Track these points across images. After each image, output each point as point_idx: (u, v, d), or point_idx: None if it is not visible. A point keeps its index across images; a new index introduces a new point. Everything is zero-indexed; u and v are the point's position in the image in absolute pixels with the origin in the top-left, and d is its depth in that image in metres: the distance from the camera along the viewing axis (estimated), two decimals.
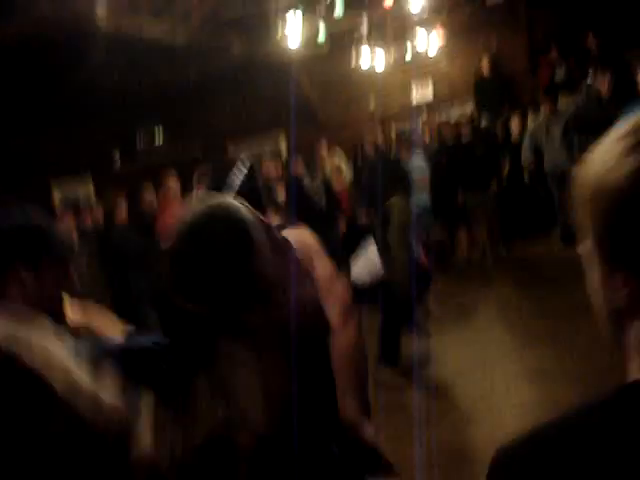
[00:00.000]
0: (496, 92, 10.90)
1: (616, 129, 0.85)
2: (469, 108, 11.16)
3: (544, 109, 9.41)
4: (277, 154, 11.25)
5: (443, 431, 4.40)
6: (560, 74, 10.49)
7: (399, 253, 5.70)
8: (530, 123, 9.86)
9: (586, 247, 0.85)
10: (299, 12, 8.86)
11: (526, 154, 9.30)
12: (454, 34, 11.38)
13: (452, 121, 10.19)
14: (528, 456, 0.78)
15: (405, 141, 9.80)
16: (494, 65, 11.18)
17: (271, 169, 9.29)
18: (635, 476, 0.72)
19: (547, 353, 5.50)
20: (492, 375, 5.29)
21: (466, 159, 8.99)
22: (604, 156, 0.83)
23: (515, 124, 9.92)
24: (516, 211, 9.10)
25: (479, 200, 8.93)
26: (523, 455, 0.79)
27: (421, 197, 8.14)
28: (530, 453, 0.78)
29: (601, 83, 8.62)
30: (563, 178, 8.27)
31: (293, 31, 8.90)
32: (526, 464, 0.78)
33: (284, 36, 8.97)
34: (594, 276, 0.84)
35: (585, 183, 0.84)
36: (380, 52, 10.41)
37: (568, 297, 6.01)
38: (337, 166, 9.84)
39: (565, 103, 9.85)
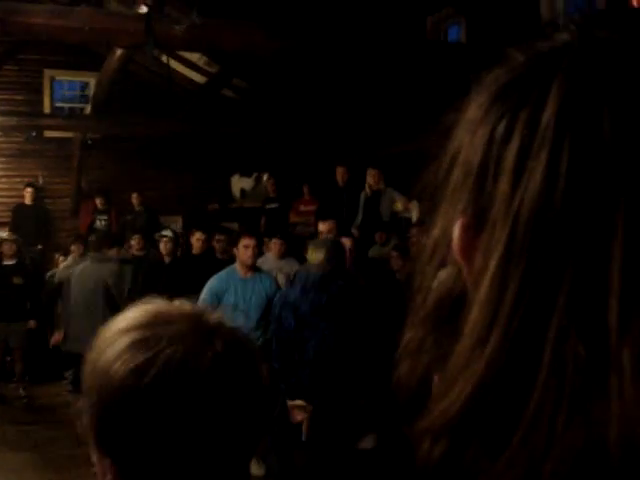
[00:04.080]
0: (33, 223, 10.85)
1: (126, 316, 0.88)
2: (4, 232, 10.83)
3: (75, 252, 9.26)
4: None
5: None
6: (100, 224, 10.98)
7: None
8: (61, 262, 9.92)
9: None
10: None
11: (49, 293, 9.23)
12: (4, 156, 11.20)
13: None
14: None
15: None
16: (37, 196, 11.19)
17: None
18: None
19: None
20: None
21: (4, 284, 8.49)
22: (109, 346, 0.85)
23: (54, 259, 9.87)
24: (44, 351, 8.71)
25: (2, 328, 8.49)
26: None
27: None
28: None
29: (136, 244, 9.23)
30: None
31: None
32: None
33: None
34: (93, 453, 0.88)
35: (91, 369, 0.87)
36: None
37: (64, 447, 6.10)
38: None
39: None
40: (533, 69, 0.48)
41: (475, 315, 0.46)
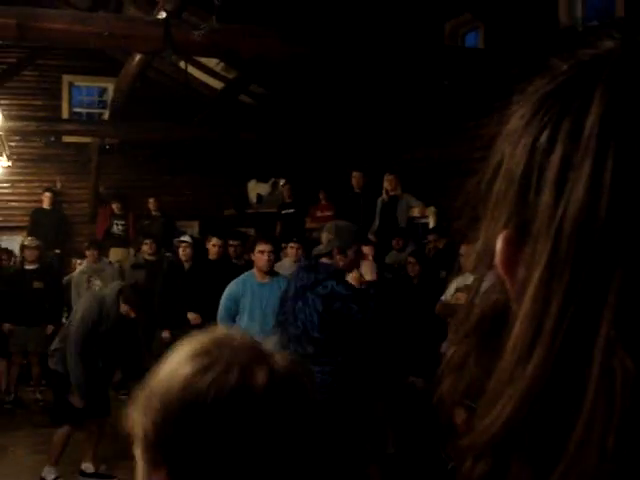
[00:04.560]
0: (51, 227, 10.92)
1: (189, 345, 0.93)
2: (22, 237, 10.91)
3: (90, 257, 9.24)
4: None
5: None
6: (117, 229, 11.03)
7: None
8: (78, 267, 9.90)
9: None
10: None
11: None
12: (22, 160, 11.30)
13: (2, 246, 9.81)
14: None
15: None
16: (56, 200, 11.27)
17: None
18: None
19: None
20: None
21: (26, 288, 8.54)
22: (176, 371, 0.90)
23: (71, 264, 9.89)
24: None
25: (22, 333, 8.54)
26: None
27: None
28: None
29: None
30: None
31: None
32: None
33: None
34: (140, 468, 0.91)
35: (155, 391, 0.90)
36: None
37: None
38: None
39: (116, 255, 10.36)
40: (575, 77, 0.47)
41: (518, 330, 0.46)
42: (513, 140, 0.49)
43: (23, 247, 8.98)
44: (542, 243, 0.45)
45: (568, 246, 0.43)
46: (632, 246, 0.42)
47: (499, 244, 0.49)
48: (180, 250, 8.26)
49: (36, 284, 8.60)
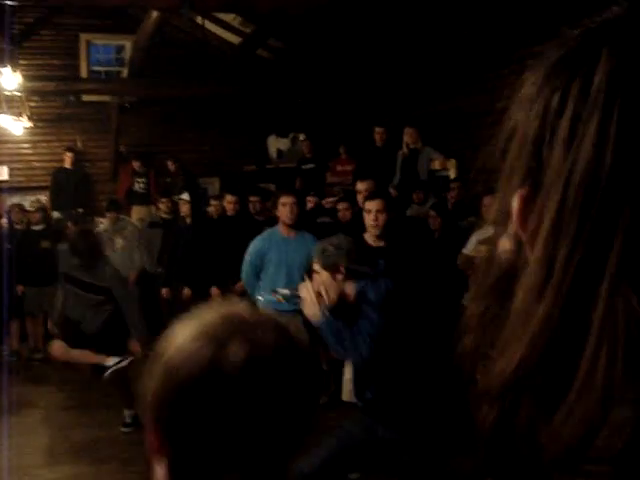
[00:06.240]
0: (73, 187, 10.99)
1: (201, 323, 0.91)
2: (45, 196, 11.02)
3: (110, 218, 9.37)
4: None
5: None
6: (139, 187, 11.07)
7: None
8: (100, 226, 9.93)
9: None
10: None
11: None
12: (43, 121, 11.32)
13: (26, 207, 9.88)
14: None
15: None
16: (77, 160, 11.32)
17: None
18: None
19: (85, 462, 5.54)
20: None
21: (33, 249, 8.73)
22: (182, 348, 0.89)
23: (97, 222, 10.01)
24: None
25: (35, 293, 8.71)
26: None
27: None
28: None
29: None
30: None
31: None
32: None
33: None
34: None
35: (162, 360, 0.90)
36: None
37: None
38: None
39: (138, 213, 10.46)
40: (584, 42, 0.49)
41: (530, 274, 0.48)
42: (526, 106, 0.52)
43: (24, 210, 9.25)
44: (552, 193, 0.47)
45: (576, 194, 0.46)
46: (636, 192, 0.44)
47: (516, 203, 0.51)
48: (180, 207, 8.63)
49: (44, 244, 8.79)
